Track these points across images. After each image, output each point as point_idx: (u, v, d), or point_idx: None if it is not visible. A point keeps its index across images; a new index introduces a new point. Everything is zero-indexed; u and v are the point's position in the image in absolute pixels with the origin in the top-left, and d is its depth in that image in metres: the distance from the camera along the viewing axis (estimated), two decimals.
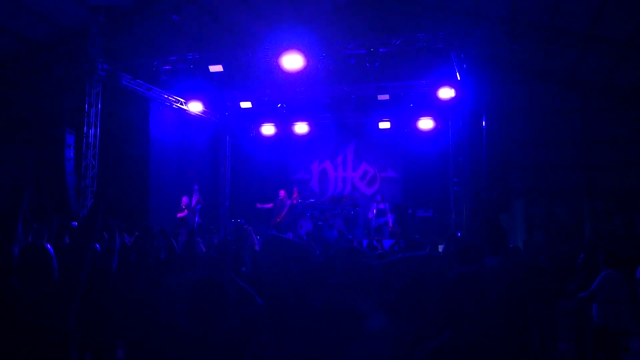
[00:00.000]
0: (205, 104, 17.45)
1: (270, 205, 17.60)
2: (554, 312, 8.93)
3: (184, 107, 17.34)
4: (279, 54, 13.23)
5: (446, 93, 14.90)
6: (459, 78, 13.70)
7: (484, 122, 12.82)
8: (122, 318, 5.28)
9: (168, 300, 4.78)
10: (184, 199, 15.74)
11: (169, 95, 16.61)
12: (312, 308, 2.86)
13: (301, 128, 19.11)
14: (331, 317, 2.72)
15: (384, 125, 18.16)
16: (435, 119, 17.42)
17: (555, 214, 17.54)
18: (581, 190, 17.48)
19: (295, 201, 17.65)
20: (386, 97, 15.70)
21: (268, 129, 19.59)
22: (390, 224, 16.37)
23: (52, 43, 15.41)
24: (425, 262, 3.57)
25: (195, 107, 17.22)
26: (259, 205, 17.86)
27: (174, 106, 17.14)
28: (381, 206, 16.59)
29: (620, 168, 17.01)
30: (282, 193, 17.50)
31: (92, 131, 13.85)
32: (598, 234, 16.43)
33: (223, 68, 13.80)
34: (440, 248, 11.58)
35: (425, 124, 17.61)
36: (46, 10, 14.02)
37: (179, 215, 15.58)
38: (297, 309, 2.89)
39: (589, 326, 7.54)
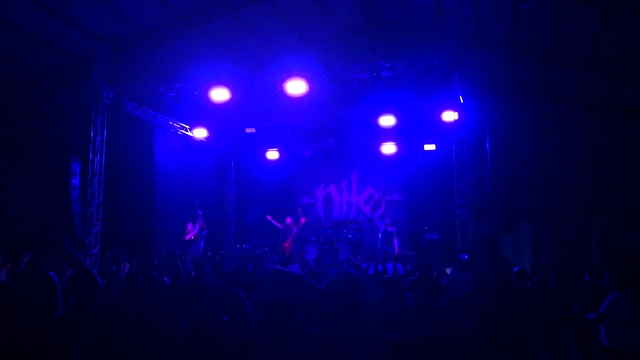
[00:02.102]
0: (209, 129, 17.52)
1: (280, 225, 17.64)
2: (562, 333, 8.87)
3: (189, 133, 17.43)
4: (282, 78, 13.31)
5: (449, 115, 14.93)
6: (461, 100, 13.74)
7: (487, 144, 12.85)
8: (129, 346, 5.25)
9: (174, 330, 4.76)
10: (189, 226, 15.76)
11: (173, 122, 16.70)
12: (306, 337, 2.87)
13: (306, 152, 19.16)
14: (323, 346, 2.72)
15: (388, 148, 18.19)
16: (439, 142, 17.43)
17: (562, 234, 17.46)
18: (587, 210, 17.41)
19: (302, 227, 17.69)
20: (390, 120, 15.73)
21: (272, 154, 19.63)
22: (397, 248, 16.32)
23: (57, 71, 15.57)
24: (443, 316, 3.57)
25: (199, 133, 17.30)
26: (269, 218, 17.89)
27: (178, 132, 17.23)
28: (389, 229, 16.55)
29: (625, 186, 16.95)
30: (289, 220, 17.55)
31: (97, 158, 13.91)
32: (605, 253, 16.34)
33: (227, 94, 13.89)
34: (448, 271, 11.58)
35: (429, 146, 17.62)
36: (52, 39, 14.20)
37: (187, 238, 15.62)
38: (292, 337, 2.89)
39: (598, 347, 7.48)
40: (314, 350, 2.71)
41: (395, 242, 16.47)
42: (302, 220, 17.77)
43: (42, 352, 2.79)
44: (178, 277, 5.90)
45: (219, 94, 13.91)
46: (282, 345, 2.93)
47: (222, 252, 17.54)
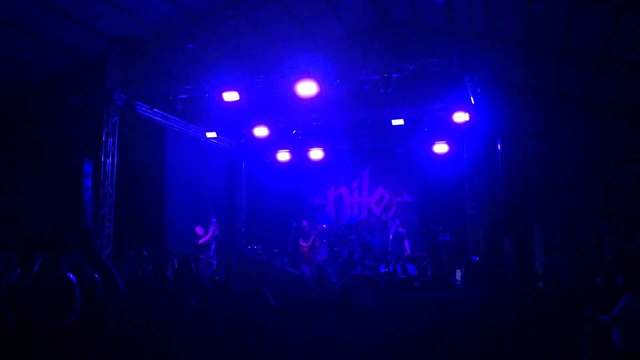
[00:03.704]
0: (220, 131, 17.58)
1: (308, 243, 17.56)
2: (574, 335, 8.81)
3: (200, 134, 17.49)
4: (293, 80, 13.33)
5: (461, 117, 14.89)
6: (473, 102, 13.70)
7: (499, 145, 12.78)
8: (143, 348, 5.27)
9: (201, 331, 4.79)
10: (199, 230, 15.74)
11: (185, 124, 16.77)
12: (318, 337, 2.88)
13: (316, 154, 19.15)
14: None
15: (400, 149, 18.16)
16: (450, 143, 17.38)
17: (574, 235, 17.37)
18: (599, 211, 17.32)
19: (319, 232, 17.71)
20: (401, 121, 15.72)
21: (283, 156, 19.65)
22: (408, 250, 16.29)
23: (70, 74, 15.67)
24: (452, 306, 3.57)
25: (211, 134, 17.37)
26: (301, 242, 17.74)
27: (190, 134, 17.29)
28: (400, 230, 16.53)
29: (638, 187, 16.84)
30: (305, 223, 17.56)
31: (109, 160, 14.00)
32: (618, 254, 16.23)
33: (238, 96, 13.92)
34: (458, 274, 11.53)
35: (441, 148, 17.57)
36: (64, 42, 14.30)
37: (200, 242, 15.63)
38: (304, 337, 2.90)
39: (610, 350, 7.42)
40: (325, 351, 2.73)
41: (407, 243, 16.44)
42: (319, 227, 17.78)
43: (59, 353, 2.81)
44: (191, 279, 5.91)
45: (230, 96, 13.96)
46: (293, 345, 2.94)
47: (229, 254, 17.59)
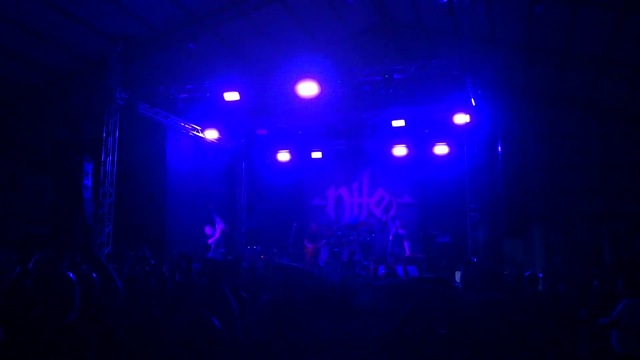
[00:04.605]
0: (221, 131, 17.57)
1: (315, 246, 17.60)
2: (573, 338, 8.81)
3: (201, 134, 17.48)
4: (294, 81, 13.32)
5: (461, 118, 14.87)
6: (474, 103, 13.70)
7: (499, 148, 12.79)
8: (141, 346, 5.26)
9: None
10: (208, 230, 15.77)
11: (185, 123, 16.76)
12: (315, 337, 2.87)
13: (316, 154, 19.15)
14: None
15: (400, 151, 18.15)
16: (450, 145, 17.38)
17: (575, 238, 17.36)
18: (600, 214, 17.31)
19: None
20: (401, 122, 15.70)
21: (284, 156, 19.65)
22: (407, 251, 16.28)
23: (71, 73, 15.67)
24: (434, 286, 3.56)
25: (211, 134, 17.34)
26: (306, 243, 17.82)
27: (190, 133, 17.28)
28: (400, 232, 16.53)
29: (639, 192, 16.83)
30: (313, 226, 17.64)
31: (109, 159, 13.99)
32: (618, 258, 16.22)
33: (239, 95, 13.91)
34: (457, 275, 11.51)
35: (441, 149, 17.57)
36: (65, 41, 14.30)
37: (209, 241, 15.68)
38: (301, 338, 2.90)
39: (609, 353, 7.42)
40: (322, 351, 2.73)
41: (406, 244, 16.44)
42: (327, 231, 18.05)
43: (59, 352, 2.81)
44: (190, 278, 5.91)
45: (231, 96, 13.95)
46: (292, 346, 2.94)
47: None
